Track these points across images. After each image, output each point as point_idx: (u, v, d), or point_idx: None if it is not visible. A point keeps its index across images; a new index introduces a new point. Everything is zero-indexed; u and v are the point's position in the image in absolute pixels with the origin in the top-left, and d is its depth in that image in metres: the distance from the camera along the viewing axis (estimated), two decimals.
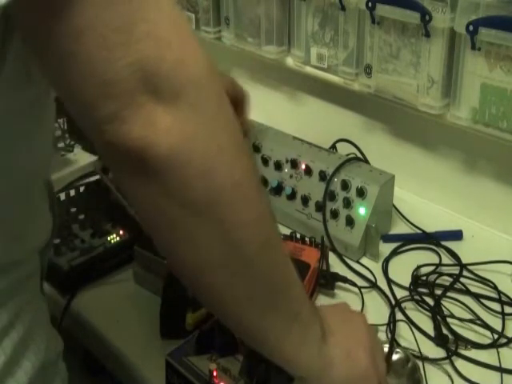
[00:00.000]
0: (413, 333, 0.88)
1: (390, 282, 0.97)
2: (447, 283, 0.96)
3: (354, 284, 0.95)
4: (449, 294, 0.95)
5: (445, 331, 0.88)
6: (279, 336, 0.60)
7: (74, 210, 1.04)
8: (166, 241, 0.54)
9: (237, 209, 0.52)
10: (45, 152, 0.65)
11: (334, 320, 0.66)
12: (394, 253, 1.04)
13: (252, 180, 0.53)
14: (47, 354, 0.63)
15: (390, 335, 0.86)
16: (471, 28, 0.93)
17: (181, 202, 0.50)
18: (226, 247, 0.53)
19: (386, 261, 1.02)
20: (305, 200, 1.07)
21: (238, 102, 1.11)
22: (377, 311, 0.92)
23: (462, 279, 0.97)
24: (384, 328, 0.88)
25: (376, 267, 1.01)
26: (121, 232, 0.99)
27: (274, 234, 0.58)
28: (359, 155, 1.14)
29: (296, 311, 0.60)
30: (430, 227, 1.08)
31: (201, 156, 0.48)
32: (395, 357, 0.80)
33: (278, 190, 1.11)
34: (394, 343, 0.81)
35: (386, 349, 0.79)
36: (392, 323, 0.88)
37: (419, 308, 0.93)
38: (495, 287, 0.95)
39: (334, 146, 1.19)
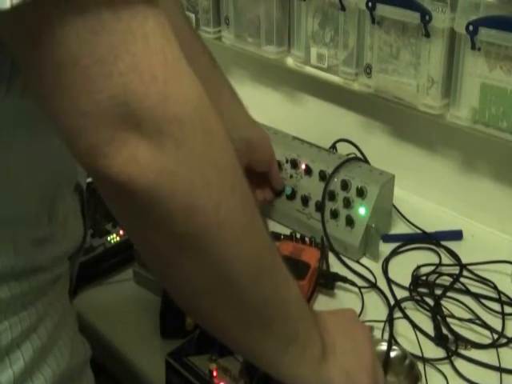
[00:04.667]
0: (415, 333, 0.88)
1: (389, 281, 0.97)
2: (447, 283, 0.96)
3: (354, 284, 0.95)
4: (449, 294, 0.95)
5: (445, 331, 0.88)
6: (274, 356, 0.59)
7: None
8: (155, 266, 0.54)
9: (223, 245, 0.51)
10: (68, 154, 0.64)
11: (337, 333, 0.66)
12: (394, 253, 1.04)
13: (242, 217, 0.52)
14: (71, 362, 0.62)
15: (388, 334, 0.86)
16: (471, 28, 0.93)
17: (164, 235, 0.49)
18: (214, 279, 0.52)
19: (386, 261, 1.02)
20: (305, 200, 1.07)
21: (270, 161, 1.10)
22: (377, 311, 0.92)
23: (461, 279, 0.97)
24: (382, 326, 0.88)
25: (376, 267, 1.01)
26: (121, 232, 0.99)
27: (270, 263, 0.57)
28: (359, 155, 1.14)
29: (292, 334, 0.59)
30: (430, 227, 1.08)
31: (184, 193, 0.47)
32: (392, 354, 0.80)
33: (282, 189, 1.11)
34: (391, 341, 0.81)
35: (383, 347, 0.80)
36: (390, 321, 0.88)
37: (419, 308, 0.93)
38: (495, 287, 0.95)
39: (334, 146, 1.19)
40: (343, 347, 0.65)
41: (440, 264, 1.00)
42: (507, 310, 0.92)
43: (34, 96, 0.48)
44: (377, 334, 0.86)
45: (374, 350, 0.69)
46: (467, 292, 0.95)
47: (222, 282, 0.53)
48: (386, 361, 0.78)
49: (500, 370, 0.83)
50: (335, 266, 0.99)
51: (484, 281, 0.97)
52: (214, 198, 0.49)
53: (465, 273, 0.98)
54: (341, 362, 0.64)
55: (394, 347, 0.81)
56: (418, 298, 0.94)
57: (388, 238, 1.07)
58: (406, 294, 0.95)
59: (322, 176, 1.06)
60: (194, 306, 0.56)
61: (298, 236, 0.99)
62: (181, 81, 0.47)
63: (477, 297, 0.94)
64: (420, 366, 0.81)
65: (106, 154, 0.46)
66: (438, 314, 0.90)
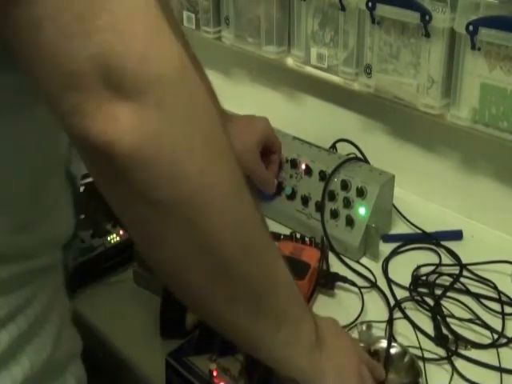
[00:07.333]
0: (415, 333, 0.88)
1: (389, 281, 0.97)
2: (447, 283, 0.96)
3: (354, 284, 0.95)
4: (449, 294, 0.95)
5: (445, 331, 0.88)
6: (265, 336, 0.59)
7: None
8: (138, 237, 0.53)
9: (209, 213, 0.50)
10: (53, 141, 0.62)
11: (330, 333, 0.66)
12: (394, 253, 1.04)
13: (228, 185, 0.51)
14: (54, 354, 0.61)
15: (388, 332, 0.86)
16: (471, 28, 0.93)
17: (148, 201, 0.48)
18: (200, 249, 0.51)
19: (386, 261, 1.02)
20: (305, 200, 1.07)
21: (273, 144, 1.09)
22: (377, 311, 0.92)
23: (461, 279, 0.97)
24: (383, 326, 0.88)
25: (376, 267, 1.01)
26: (121, 232, 0.99)
27: (258, 237, 0.56)
28: (359, 155, 1.14)
29: (283, 314, 0.59)
30: (430, 227, 1.08)
31: (167, 156, 0.46)
32: (392, 351, 0.80)
33: (278, 190, 1.11)
34: (391, 341, 0.81)
35: (383, 344, 0.80)
36: (390, 321, 0.88)
37: (419, 308, 0.93)
38: (495, 287, 0.95)
39: (334, 146, 1.19)
40: (335, 345, 0.65)
41: (440, 264, 1.00)
42: (507, 310, 0.92)
43: (16, 57, 0.47)
44: (377, 333, 0.86)
45: (360, 356, 0.70)
46: (467, 292, 0.95)
47: (208, 253, 0.51)
48: (386, 359, 0.78)
49: (500, 370, 0.83)
50: (335, 266, 0.99)
51: (484, 281, 0.97)
52: (198, 163, 0.48)
53: (465, 273, 0.98)
54: (333, 358, 0.64)
55: (394, 344, 0.81)
56: (418, 298, 0.94)
57: (388, 238, 1.07)
58: (406, 294, 0.95)
59: (322, 176, 1.06)
60: (180, 282, 0.54)
61: (298, 236, 0.99)
62: (161, 40, 0.47)
63: (477, 297, 0.94)
64: (420, 365, 0.81)
65: (87, 114, 0.45)
66: (438, 314, 0.90)
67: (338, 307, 0.93)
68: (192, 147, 0.48)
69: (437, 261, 1.01)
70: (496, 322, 0.90)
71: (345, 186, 1.04)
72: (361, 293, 0.94)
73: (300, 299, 0.62)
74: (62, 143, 0.64)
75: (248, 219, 0.54)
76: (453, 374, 0.82)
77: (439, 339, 0.87)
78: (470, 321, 0.90)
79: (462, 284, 0.97)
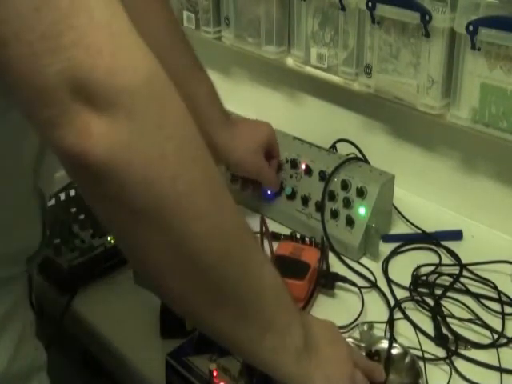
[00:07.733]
0: (416, 333, 0.88)
1: (389, 281, 0.97)
2: (447, 283, 0.96)
3: (354, 284, 0.95)
4: (449, 294, 0.95)
5: (445, 331, 0.88)
6: (251, 342, 0.59)
7: (73, 210, 1.04)
8: (120, 241, 0.54)
9: (185, 220, 0.50)
10: (13, 148, 0.63)
11: (322, 338, 0.66)
12: (394, 253, 1.04)
13: (204, 191, 0.52)
14: (12, 366, 0.62)
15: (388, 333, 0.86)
16: (471, 28, 0.93)
17: (125, 209, 0.49)
18: (178, 256, 0.52)
19: (386, 261, 1.02)
20: (305, 200, 1.07)
21: (273, 148, 1.10)
22: (377, 311, 0.92)
23: (462, 279, 0.97)
24: (383, 326, 0.88)
25: (376, 267, 1.01)
26: None
27: (238, 243, 0.56)
28: (359, 155, 1.14)
29: (270, 319, 0.59)
30: (430, 227, 1.08)
31: (139, 165, 0.47)
32: (393, 351, 0.80)
33: (278, 190, 1.11)
34: (392, 341, 0.81)
35: (384, 344, 0.80)
36: (390, 321, 0.88)
37: (419, 308, 0.93)
38: (495, 287, 0.95)
39: (334, 146, 1.19)
40: (326, 353, 0.65)
41: (440, 264, 1.00)
42: (507, 310, 0.92)
43: None
44: (377, 333, 0.86)
45: (357, 361, 0.69)
46: (467, 292, 0.95)
47: (187, 259, 0.52)
48: (387, 360, 0.78)
49: (500, 370, 0.83)
50: (335, 266, 0.99)
51: (484, 281, 0.97)
52: (170, 170, 0.49)
53: (465, 273, 0.98)
54: (323, 366, 0.64)
55: (395, 344, 0.81)
56: (418, 298, 0.94)
57: (388, 238, 1.07)
58: (406, 294, 0.95)
59: (322, 176, 1.06)
60: (163, 287, 0.55)
61: (298, 236, 0.99)
62: (129, 53, 0.47)
63: (477, 297, 0.94)
64: (420, 365, 0.81)
65: (60, 127, 0.46)
66: (438, 314, 0.90)
67: (338, 307, 0.93)
68: (163, 155, 0.48)
69: (437, 261, 1.01)
70: (496, 322, 0.90)
71: (345, 186, 1.04)
72: (361, 293, 0.94)
73: (288, 304, 0.62)
74: (24, 153, 0.64)
75: (227, 225, 0.54)
76: (451, 374, 0.82)
77: (439, 339, 0.87)
78: (470, 321, 0.90)
79: (462, 284, 0.97)
